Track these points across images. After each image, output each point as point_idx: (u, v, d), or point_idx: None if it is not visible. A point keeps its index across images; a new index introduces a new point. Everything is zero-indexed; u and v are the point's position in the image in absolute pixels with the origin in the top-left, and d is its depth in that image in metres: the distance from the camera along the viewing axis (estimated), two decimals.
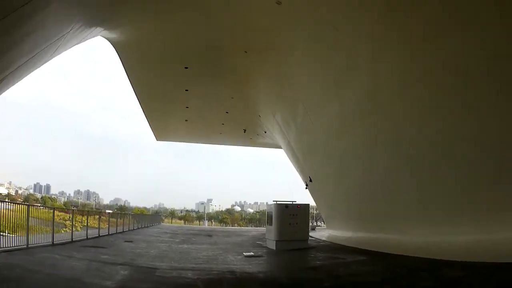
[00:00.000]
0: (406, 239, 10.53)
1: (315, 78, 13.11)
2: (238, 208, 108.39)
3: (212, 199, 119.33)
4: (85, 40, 12.18)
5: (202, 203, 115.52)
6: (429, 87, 8.43)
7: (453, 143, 8.32)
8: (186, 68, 17.88)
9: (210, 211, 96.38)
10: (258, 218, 78.56)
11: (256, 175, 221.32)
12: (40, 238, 10.98)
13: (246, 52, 15.70)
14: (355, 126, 12.10)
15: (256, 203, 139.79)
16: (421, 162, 9.48)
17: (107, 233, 17.08)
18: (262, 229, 40.85)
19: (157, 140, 32.05)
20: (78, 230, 15.58)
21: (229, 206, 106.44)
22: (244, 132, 27.15)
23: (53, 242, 11.30)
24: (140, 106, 23.44)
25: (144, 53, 16.80)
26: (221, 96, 21.07)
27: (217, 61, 17.34)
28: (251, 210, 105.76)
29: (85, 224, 15.89)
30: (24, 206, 10.98)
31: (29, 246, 10.04)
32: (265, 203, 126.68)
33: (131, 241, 14.64)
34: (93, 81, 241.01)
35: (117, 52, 16.67)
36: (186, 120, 26.05)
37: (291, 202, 13.86)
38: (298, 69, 13.79)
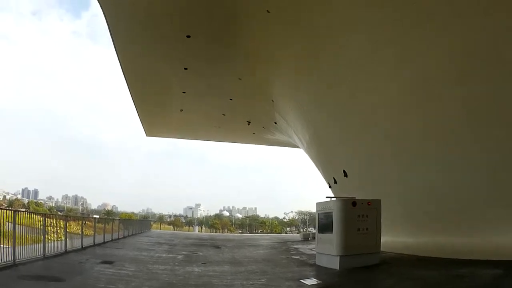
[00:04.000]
0: (500, 241, 8.05)
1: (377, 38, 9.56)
2: (226, 213, 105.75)
3: (200, 204, 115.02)
4: None
5: (191, 208, 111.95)
6: None
7: None
8: (188, 37, 14.13)
9: (199, 216, 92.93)
10: (249, 223, 75.82)
11: (243, 180, 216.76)
12: None
13: (268, 11, 12.08)
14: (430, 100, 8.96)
15: (244, 208, 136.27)
16: None
17: (80, 247, 12.80)
18: (267, 235, 37.19)
19: (147, 135, 28.40)
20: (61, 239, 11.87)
21: (217, 211, 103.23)
22: (248, 124, 23.70)
23: None
24: (130, 96, 20.07)
25: (136, 16, 13.09)
26: (227, 76, 17.45)
27: (227, 27, 13.72)
28: (239, 215, 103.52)
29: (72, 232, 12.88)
30: None
31: None
32: (254, 208, 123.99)
33: (111, 263, 9.93)
34: (81, 84, 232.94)
35: (106, 21, 13.21)
36: (181, 110, 22.35)
37: (349, 198, 9.93)
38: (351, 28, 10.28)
